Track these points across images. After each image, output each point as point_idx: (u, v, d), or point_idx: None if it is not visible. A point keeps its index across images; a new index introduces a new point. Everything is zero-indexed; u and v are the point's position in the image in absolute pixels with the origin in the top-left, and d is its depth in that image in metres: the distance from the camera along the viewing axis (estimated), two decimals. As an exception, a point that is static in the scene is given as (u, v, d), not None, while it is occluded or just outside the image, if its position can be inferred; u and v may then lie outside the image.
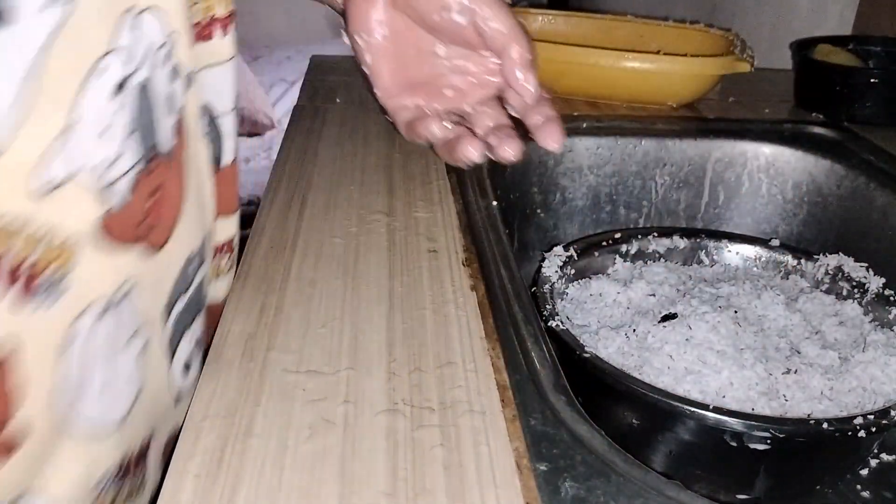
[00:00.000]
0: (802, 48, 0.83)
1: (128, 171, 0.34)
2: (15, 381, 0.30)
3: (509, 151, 0.43)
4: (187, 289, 0.42)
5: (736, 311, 0.55)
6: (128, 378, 0.37)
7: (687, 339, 0.51)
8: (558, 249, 0.59)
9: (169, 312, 0.41)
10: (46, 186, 0.30)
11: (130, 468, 0.39)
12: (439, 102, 0.47)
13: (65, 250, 0.31)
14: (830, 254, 0.62)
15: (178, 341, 0.42)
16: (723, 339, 0.51)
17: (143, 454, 0.41)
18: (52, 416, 0.33)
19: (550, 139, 0.44)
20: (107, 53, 0.32)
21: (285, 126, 0.72)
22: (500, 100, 0.48)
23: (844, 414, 0.47)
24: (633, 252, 0.64)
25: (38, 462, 0.33)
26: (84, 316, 0.33)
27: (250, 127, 2.45)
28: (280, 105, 2.68)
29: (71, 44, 0.30)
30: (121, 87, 0.33)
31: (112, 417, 0.37)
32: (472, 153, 0.43)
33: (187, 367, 0.44)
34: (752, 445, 0.43)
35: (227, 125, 0.46)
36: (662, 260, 0.64)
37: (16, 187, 0.29)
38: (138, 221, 0.35)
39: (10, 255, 0.29)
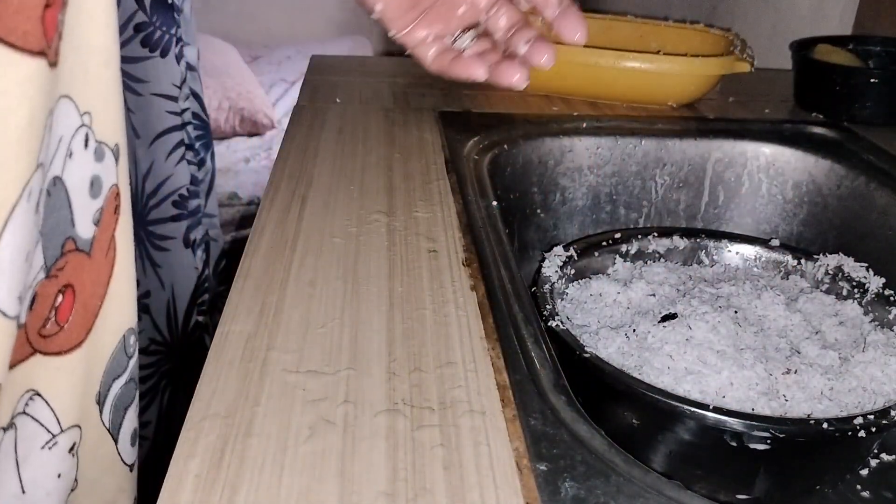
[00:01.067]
0: (802, 48, 0.83)
1: (29, 288, 0.31)
2: None
3: (545, 56, 0.45)
4: (124, 370, 0.41)
5: (736, 311, 0.55)
6: (54, 476, 0.37)
7: (687, 339, 0.51)
8: (558, 249, 0.59)
9: (103, 400, 0.40)
10: None
11: None
12: (456, 23, 0.48)
13: None
14: (830, 254, 0.62)
15: (122, 420, 0.42)
16: (723, 339, 0.51)
17: None
18: None
19: (571, 30, 0.45)
20: (34, 172, 0.28)
21: (285, 126, 0.72)
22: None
23: (844, 414, 0.47)
24: (633, 252, 0.64)
25: None
26: None
27: (250, 127, 2.44)
28: (280, 105, 2.67)
29: None
30: (38, 205, 0.29)
31: None
32: (517, 80, 0.45)
33: (135, 437, 0.44)
34: (752, 445, 0.43)
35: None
36: (662, 260, 0.64)
37: None
38: (35, 333, 0.33)
39: None
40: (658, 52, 0.81)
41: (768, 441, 0.43)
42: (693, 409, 0.43)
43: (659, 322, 0.53)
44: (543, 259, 0.59)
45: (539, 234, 0.76)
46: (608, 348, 0.52)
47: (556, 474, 0.33)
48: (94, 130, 0.34)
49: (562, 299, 0.58)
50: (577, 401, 0.38)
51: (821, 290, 0.61)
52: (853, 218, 0.70)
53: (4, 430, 0.33)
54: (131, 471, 0.44)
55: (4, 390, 0.32)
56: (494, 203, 0.59)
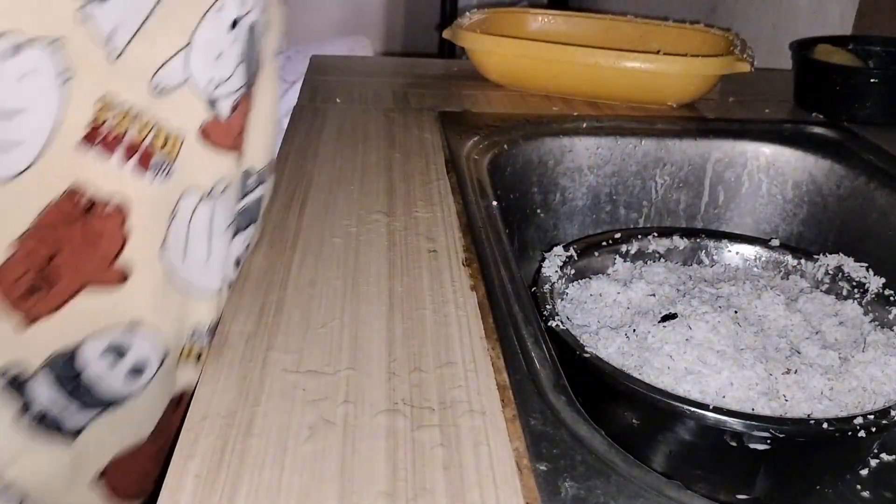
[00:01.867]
0: (802, 48, 0.83)
1: (233, 93, 0.43)
2: (131, 224, 0.39)
3: None
4: (245, 195, 0.48)
5: (736, 311, 0.55)
6: (223, 260, 0.45)
7: (687, 339, 0.51)
8: (558, 249, 0.59)
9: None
10: (164, 87, 0.39)
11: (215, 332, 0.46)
12: None
13: (172, 141, 0.40)
14: (830, 254, 0.62)
15: (233, 238, 0.48)
16: (723, 339, 0.51)
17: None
18: (164, 266, 0.41)
19: None
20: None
21: (285, 126, 0.72)
22: None
23: (844, 414, 0.47)
24: (633, 252, 0.64)
25: (151, 297, 0.41)
26: (186, 197, 0.42)
27: (250, 127, 2.45)
28: (280, 105, 2.68)
29: None
30: (234, 24, 0.41)
31: (210, 286, 0.44)
32: None
33: (237, 263, 0.49)
34: (752, 445, 0.43)
35: None
36: (662, 260, 0.64)
37: (139, 82, 0.38)
38: (235, 135, 0.44)
39: (129, 135, 0.38)
40: (658, 52, 0.81)
41: (768, 441, 0.43)
42: (693, 409, 0.43)
43: (659, 322, 0.53)
44: (543, 259, 0.59)
45: (539, 234, 0.76)
46: (608, 348, 0.52)
47: (556, 474, 0.33)
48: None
49: (562, 299, 0.58)
50: (577, 401, 0.38)
51: (821, 290, 0.61)
52: (853, 218, 0.70)
53: (205, 196, 0.43)
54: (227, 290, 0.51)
55: (209, 166, 0.42)
56: (494, 203, 0.59)
